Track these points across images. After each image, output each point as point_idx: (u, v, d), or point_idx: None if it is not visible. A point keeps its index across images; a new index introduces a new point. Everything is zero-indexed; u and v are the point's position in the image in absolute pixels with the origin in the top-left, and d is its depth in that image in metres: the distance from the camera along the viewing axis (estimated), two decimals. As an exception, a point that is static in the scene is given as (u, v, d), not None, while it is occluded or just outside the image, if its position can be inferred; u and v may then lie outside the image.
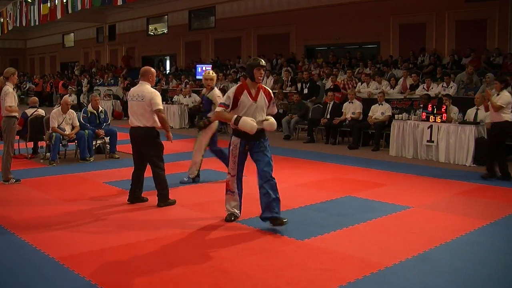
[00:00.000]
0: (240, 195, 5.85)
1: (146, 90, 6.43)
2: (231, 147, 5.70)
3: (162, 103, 6.62)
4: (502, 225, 5.87)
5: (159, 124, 6.52)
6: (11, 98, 7.65)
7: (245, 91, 5.54)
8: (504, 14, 15.24)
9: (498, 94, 8.45)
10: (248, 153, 5.69)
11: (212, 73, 8.01)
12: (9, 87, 7.71)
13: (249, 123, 5.41)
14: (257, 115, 5.54)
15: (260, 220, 5.66)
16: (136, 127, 6.44)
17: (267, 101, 5.65)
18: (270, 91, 5.78)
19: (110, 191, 7.45)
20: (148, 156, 6.52)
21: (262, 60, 5.59)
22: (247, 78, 5.65)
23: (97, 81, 25.29)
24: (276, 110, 5.94)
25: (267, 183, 5.51)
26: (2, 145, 7.97)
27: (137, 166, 6.67)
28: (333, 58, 18.94)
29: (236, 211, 5.87)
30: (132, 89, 6.71)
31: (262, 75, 5.58)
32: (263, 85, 5.72)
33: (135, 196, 6.69)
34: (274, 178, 5.56)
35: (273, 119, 5.59)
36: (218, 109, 5.66)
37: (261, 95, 5.60)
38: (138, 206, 6.52)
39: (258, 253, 4.84)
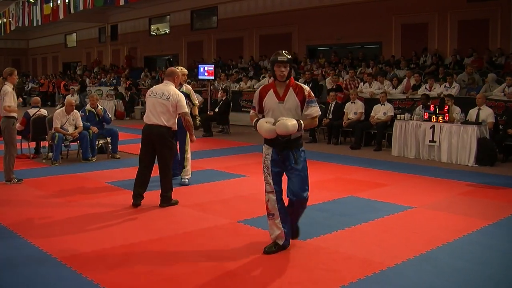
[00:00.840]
0: (284, 218, 4.85)
1: (173, 91, 6.46)
2: (263, 158, 4.86)
3: None
4: (504, 225, 5.87)
5: (175, 127, 6.53)
6: (10, 98, 7.57)
7: (271, 90, 4.77)
8: (506, 14, 15.20)
9: None
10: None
11: (185, 69, 8.07)
12: (8, 87, 7.65)
13: (263, 126, 4.64)
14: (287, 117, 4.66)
15: (263, 220, 5.67)
16: (155, 124, 6.37)
17: (298, 100, 4.72)
18: (305, 87, 4.78)
19: (112, 191, 7.46)
20: (163, 155, 6.46)
21: (283, 54, 4.70)
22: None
23: (102, 79, 25.30)
24: (317, 111, 4.79)
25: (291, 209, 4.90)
26: (2, 144, 7.96)
27: (145, 164, 6.54)
28: (335, 58, 18.94)
29: (279, 241, 4.88)
30: (155, 86, 6.73)
31: (284, 72, 4.68)
32: (297, 83, 4.85)
33: (141, 199, 6.56)
34: (303, 207, 4.88)
35: (287, 119, 4.56)
36: (250, 112, 4.99)
37: (291, 94, 4.72)
38: (140, 207, 6.52)
39: (260, 252, 4.84)
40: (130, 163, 9.23)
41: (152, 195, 6.73)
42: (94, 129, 10.08)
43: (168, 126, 6.40)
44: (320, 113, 4.92)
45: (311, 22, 20.05)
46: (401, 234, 5.49)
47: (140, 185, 6.55)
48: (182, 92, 7.59)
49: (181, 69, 7.91)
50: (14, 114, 7.76)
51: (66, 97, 13.63)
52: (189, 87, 8.00)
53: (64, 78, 28.53)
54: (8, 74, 7.72)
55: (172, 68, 6.97)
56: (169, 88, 6.49)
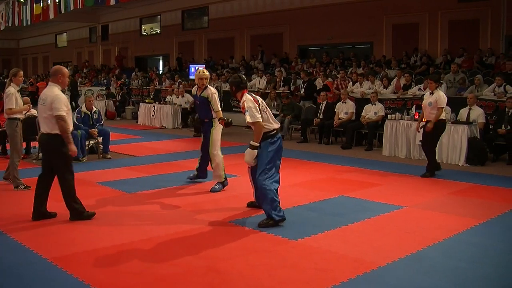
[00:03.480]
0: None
1: (50, 92, 5.77)
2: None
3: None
4: (495, 224, 5.90)
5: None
6: (12, 100, 7.39)
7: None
8: (497, 14, 15.29)
9: (431, 93, 8.56)
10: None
11: (206, 72, 7.72)
12: (10, 89, 7.50)
13: None
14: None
15: (254, 220, 5.68)
16: (42, 133, 5.89)
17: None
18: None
19: (103, 191, 7.43)
20: (54, 166, 5.91)
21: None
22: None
23: (94, 79, 25.26)
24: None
25: None
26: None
27: (43, 175, 6.01)
28: (327, 58, 18.96)
29: None
30: (43, 91, 6.03)
31: None
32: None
33: (41, 211, 5.93)
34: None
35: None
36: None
37: None
38: (132, 207, 6.49)
39: (252, 253, 4.84)
40: (121, 163, 9.20)
41: (143, 196, 6.71)
42: (94, 132, 10.08)
43: (52, 133, 5.74)
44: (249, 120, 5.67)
45: (302, 22, 20.07)
46: (393, 234, 5.50)
47: (40, 199, 5.98)
48: (201, 96, 7.35)
49: (206, 72, 7.59)
50: (18, 116, 7.57)
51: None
52: (212, 90, 7.43)
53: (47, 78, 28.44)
54: (13, 75, 7.57)
55: (58, 66, 6.12)
56: (48, 91, 5.83)
